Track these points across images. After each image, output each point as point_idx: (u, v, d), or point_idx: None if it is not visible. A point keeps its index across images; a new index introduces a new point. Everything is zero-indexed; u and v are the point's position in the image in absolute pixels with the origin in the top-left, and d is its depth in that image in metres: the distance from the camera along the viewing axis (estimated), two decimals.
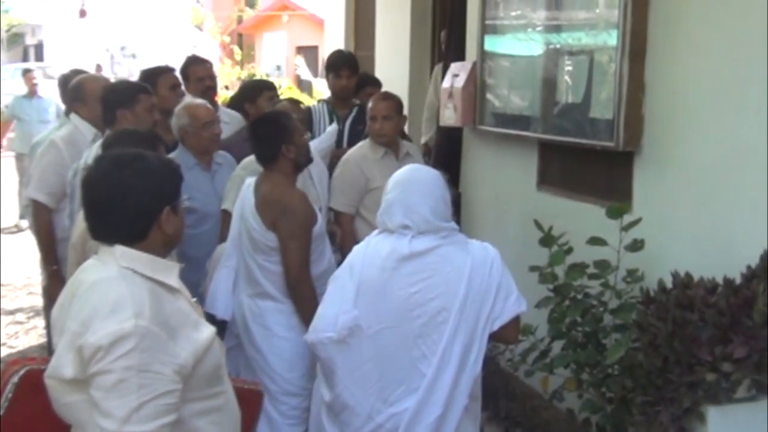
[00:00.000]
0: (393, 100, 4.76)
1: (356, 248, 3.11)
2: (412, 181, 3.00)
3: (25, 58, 30.46)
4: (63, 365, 2.08)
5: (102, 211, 2.21)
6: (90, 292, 2.13)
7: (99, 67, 19.21)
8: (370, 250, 3.01)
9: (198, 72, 5.23)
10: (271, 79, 8.41)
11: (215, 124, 4.37)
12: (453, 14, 6.44)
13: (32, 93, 10.07)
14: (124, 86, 4.37)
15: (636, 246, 3.43)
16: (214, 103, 5.09)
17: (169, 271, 2.26)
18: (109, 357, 2.00)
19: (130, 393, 2.00)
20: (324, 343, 2.98)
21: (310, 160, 3.90)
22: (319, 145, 4.74)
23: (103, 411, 1.99)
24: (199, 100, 4.51)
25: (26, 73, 10.59)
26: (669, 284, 3.05)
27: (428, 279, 2.88)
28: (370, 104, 4.72)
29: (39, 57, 29.82)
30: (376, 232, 3.08)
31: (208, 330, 2.27)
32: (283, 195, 3.65)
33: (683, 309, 2.86)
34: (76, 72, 5.45)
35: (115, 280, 2.12)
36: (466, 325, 2.86)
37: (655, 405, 2.87)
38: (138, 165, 2.23)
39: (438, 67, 6.81)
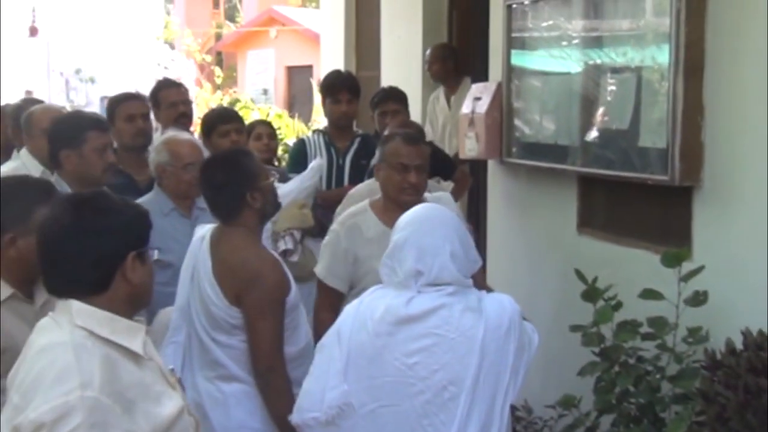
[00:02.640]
0: (424, 144, 4.12)
1: (346, 309, 3.12)
2: (427, 219, 3.03)
3: None
4: None
5: (56, 257, 2.24)
6: (36, 359, 2.16)
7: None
8: (362, 311, 3.01)
9: (170, 96, 5.30)
10: (259, 106, 8.45)
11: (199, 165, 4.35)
12: (473, 27, 6.51)
13: None
14: (70, 121, 4.35)
15: (698, 299, 3.43)
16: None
17: (133, 334, 2.27)
18: None
19: None
20: (310, 426, 2.96)
21: (277, 208, 3.74)
22: (300, 185, 4.69)
23: None
24: (185, 135, 4.53)
25: None
26: (739, 345, 3.05)
27: (431, 347, 2.87)
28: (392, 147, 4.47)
29: None
30: (371, 290, 3.09)
31: (174, 404, 2.29)
32: (251, 260, 3.49)
33: (757, 374, 2.85)
34: (30, 102, 5.51)
35: (63, 346, 2.15)
36: (482, 403, 2.86)
37: None
38: (98, 203, 2.28)
39: (435, 94, 6.90)
